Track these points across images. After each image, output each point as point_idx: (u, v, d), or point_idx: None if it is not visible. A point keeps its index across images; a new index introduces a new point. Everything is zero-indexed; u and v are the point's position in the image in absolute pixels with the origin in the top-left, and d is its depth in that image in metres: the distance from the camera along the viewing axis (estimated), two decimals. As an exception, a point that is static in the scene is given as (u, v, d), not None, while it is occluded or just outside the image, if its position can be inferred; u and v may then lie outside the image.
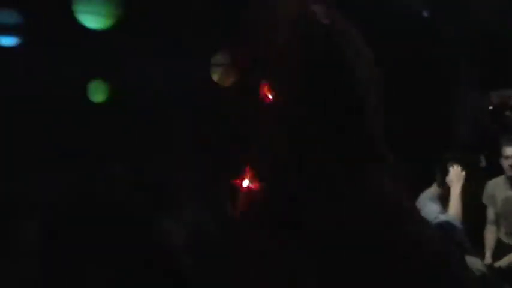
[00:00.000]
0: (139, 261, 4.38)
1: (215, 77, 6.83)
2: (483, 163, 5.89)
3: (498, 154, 5.00)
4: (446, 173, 4.02)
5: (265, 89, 1.13)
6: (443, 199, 4.02)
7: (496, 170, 5.09)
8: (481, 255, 4.72)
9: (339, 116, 1.08)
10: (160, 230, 4.53)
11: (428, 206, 3.82)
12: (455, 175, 3.99)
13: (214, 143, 6.05)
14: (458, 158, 4.11)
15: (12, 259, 4.02)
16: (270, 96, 1.12)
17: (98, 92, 6.93)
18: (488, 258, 4.89)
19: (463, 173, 4.00)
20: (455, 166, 4.01)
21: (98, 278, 4.40)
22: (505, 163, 4.92)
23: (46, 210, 4.46)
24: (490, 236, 5.04)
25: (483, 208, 5.14)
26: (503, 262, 4.69)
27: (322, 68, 1.09)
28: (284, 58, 1.11)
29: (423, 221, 1.12)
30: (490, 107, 8.91)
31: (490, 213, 5.10)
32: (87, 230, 4.38)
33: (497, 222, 5.06)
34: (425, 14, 7.32)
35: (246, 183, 1.11)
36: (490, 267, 4.36)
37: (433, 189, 4.16)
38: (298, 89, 1.09)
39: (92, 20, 5.92)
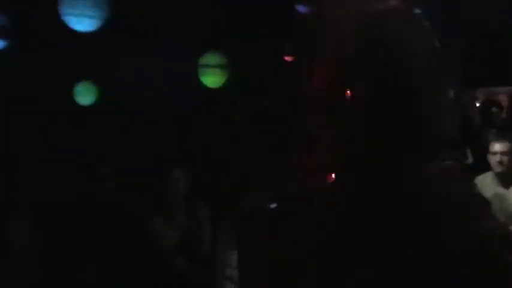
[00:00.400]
0: (131, 261, 4.38)
1: (204, 79, 6.81)
2: (470, 159, 5.91)
3: (485, 150, 5.02)
4: None
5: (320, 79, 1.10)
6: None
7: (482, 166, 5.11)
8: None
9: (392, 105, 1.05)
10: (153, 231, 4.54)
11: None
12: None
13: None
14: (457, 158, 4.11)
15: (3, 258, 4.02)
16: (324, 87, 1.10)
17: (85, 94, 6.91)
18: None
19: None
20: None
21: (90, 277, 4.40)
22: (493, 159, 4.93)
23: (36, 210, 4.45)
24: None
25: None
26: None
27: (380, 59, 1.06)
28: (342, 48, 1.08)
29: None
30: (477, 104, 8.96)
31: (478, 210, 5.10)
32: (79, 229, 4.38)
33: (485, 219, 5.07)
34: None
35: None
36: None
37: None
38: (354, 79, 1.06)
39: (79, 22, 5.91)
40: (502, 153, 4.89)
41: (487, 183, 5.04)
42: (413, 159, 1.07)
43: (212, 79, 6.86)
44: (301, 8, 7.16)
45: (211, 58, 6.95)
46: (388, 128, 1.05)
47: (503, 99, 8.52)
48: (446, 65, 1.12)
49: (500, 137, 5.07)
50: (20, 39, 6.08)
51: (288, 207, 1.17)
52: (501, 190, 4.95)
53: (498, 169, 4.90)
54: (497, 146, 4.91)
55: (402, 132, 1.06)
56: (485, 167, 5.05)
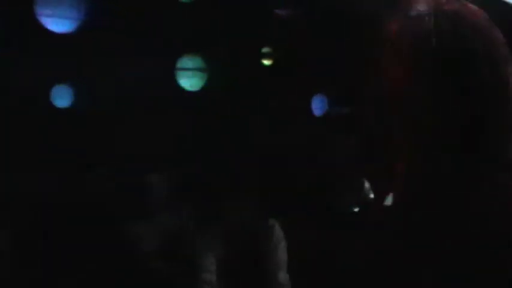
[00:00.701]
0: (110, 264, 4.33)
1: (182, 82, 6.78)
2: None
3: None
4: None
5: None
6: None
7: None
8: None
9: (463, 116, 1.03)
10: (133, 234, 4.49)
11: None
12: None
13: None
14: None
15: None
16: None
17: (62, 97, 6.82)
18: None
19: None
20: None
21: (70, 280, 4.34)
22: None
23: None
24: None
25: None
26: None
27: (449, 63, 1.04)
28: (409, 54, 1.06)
29: None
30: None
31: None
32: (56, 231, 4.32)
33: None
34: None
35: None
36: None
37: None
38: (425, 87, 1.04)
39: (55, 23, 5.85)
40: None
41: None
42: (490, 168, 1.05)
43: (190, 82, 6.86)
44: (279, 11, 7.19)
45: (189, 61, 6.94)
46: (467, 134, 1.04)
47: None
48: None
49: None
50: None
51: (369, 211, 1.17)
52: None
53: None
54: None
55: (479, 139, 1.05)
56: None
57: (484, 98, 1.04)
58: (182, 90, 6.86)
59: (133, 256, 4.47)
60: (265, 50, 7.35)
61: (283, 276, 4.26)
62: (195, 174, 5.63)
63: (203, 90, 6.93)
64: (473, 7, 1.10)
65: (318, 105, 7.50)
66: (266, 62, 7.33)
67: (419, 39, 1.05)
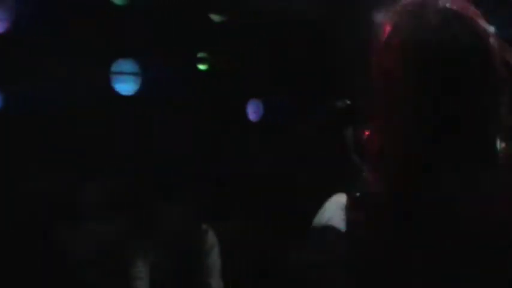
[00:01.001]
0: (41, 273, 4.25)
1: (117, 86, 6.71)
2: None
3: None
4: None
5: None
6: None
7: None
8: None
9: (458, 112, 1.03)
10: (62, 241, 4.42)
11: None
12: None
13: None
14: None
15: None
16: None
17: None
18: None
19: None
20: None
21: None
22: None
23: None
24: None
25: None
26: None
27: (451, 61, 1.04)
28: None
29: None
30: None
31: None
32: None
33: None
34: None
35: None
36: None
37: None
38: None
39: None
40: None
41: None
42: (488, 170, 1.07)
43: (125, 86, 6.79)
44: (215, 18, 7.20)
45: (124, 65, 6.87)
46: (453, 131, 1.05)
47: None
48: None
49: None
50: None
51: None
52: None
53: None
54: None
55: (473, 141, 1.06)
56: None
57: (483, 97, 1.05)
58: (117, 94, 6.79)
59: (62, 264, 4.41)
60: (201, 54, 7.35)
61: (216, 282, 4.26)
62: (128, 180, 5.59)
63: (137, 94, 6.88)
64: (461, 1, 1.12)
65: (254, 110, 7.53)
66: (202, 67, 7.34)
67: (410, 37, 1.06)
